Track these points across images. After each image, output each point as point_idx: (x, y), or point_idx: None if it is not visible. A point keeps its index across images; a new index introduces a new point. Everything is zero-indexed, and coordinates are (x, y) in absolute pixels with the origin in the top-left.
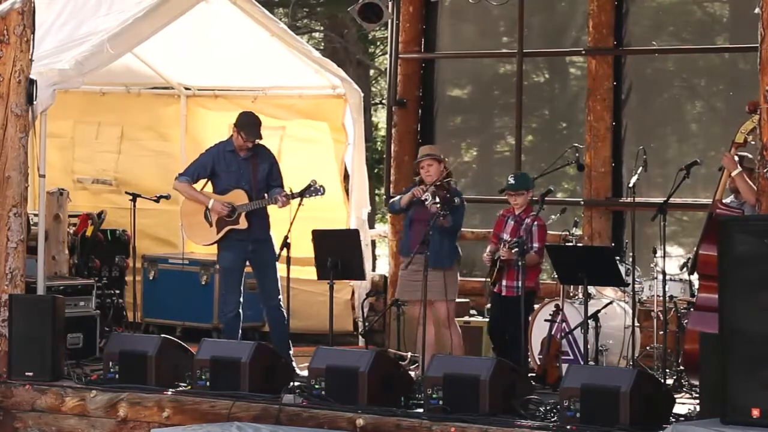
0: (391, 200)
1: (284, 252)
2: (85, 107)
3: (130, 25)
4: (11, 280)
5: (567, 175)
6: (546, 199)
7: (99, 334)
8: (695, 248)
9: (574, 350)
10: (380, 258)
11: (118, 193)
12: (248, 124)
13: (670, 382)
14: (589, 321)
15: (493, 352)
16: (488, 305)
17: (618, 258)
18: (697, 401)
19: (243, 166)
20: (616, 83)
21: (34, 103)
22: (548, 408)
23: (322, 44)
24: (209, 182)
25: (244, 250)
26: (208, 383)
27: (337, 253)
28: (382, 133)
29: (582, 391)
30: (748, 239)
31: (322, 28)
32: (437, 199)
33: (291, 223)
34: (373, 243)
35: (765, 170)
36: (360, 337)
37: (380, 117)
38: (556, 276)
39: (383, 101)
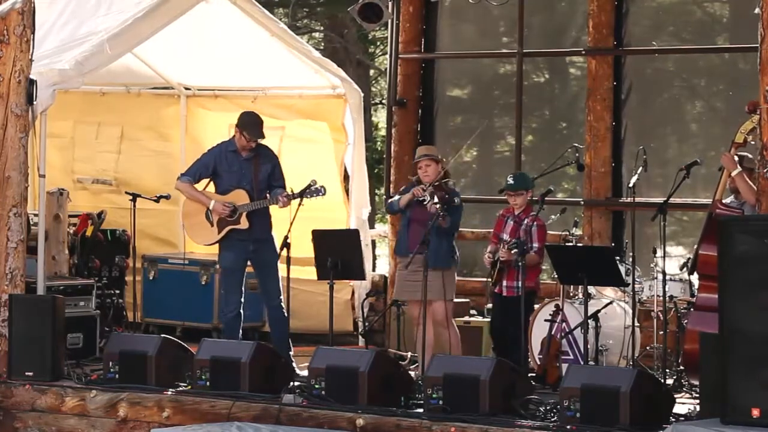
0: (389, 201)
1: (284, 252)
2: (85, 107)
3: (130, 25)
4: (11, 280)
5: (567, 175)
6: (546, 199)
7: (99, 334)
8: (695, 248)
9: (574, 350)
10: (380, 258)
11: (118, 193)
12: (251, 123)
13: (670, 382)
14: (589, 321)
15: (493, 352)
16: (488, 305)
17: (618, 258)
18: (697, 401)
19: (245, 167)
20: (616, 83)
21: (34, 103)
22: (548, 408)
23: (322, 44)
24: (211, 182)
25: (245, 250)
26: (208, 383)
27: (337, 253)
28: (382, 133)
29: (582, 391)
30: (748, 239)
31: (322, 28)
32: (436, 200)
33: (291, 223)
34: (373, 243)
35: (765, 170)
36: (360, 337)
37: (380, 117)
38: (556, 276)
39: (383, 101)
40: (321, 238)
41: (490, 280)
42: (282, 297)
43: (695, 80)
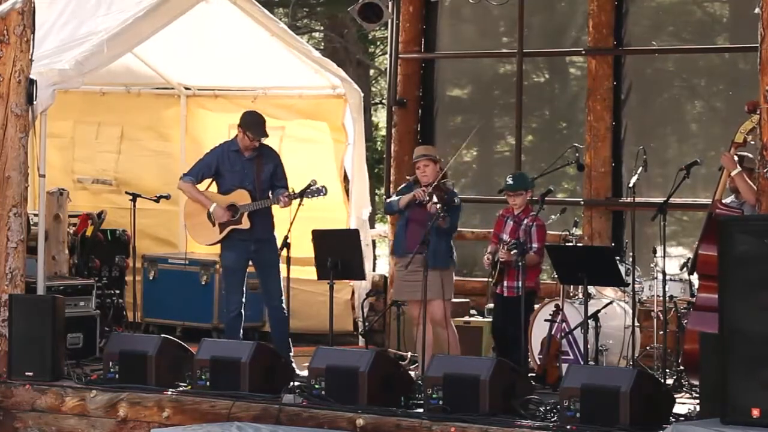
0: (388, 201)
1: (284, 252)
2: (85, 107)
3: (130, 25)
4: (11, 280)
5: (567, 175)
6: (546, 199)
7: (99, 334)
8: (695, 248)
9: (574, 350)
10: (380, 258)
11: (118, 193)
12: (253, 123)
13: (670, 382)
14: (589, 321)
15: (493, 352)
16: (488, 305)
17: (618, 258)
18: (697, 401)
19: (247, 166)
20: (616, 83)
21: (34, 103)
22: (548, 408)
23: (322, 44)
24: (214, 182)
25: (246, 250)
26: (208, 383)
27: (337, 253)
28: (382, 133)
29: (582, 391)
30: (748, 239)
31: (322, 28)
32: (436, 200)
33: (291, 223)
34: (374, 243)
35: (765, 170)
36: (360, 337)
37: (380, 117)
38: (556, 276)
39: (383, 101)
40: (321, 238)
41: (491, 280)
42: (283, 297)
43: (695, 80)
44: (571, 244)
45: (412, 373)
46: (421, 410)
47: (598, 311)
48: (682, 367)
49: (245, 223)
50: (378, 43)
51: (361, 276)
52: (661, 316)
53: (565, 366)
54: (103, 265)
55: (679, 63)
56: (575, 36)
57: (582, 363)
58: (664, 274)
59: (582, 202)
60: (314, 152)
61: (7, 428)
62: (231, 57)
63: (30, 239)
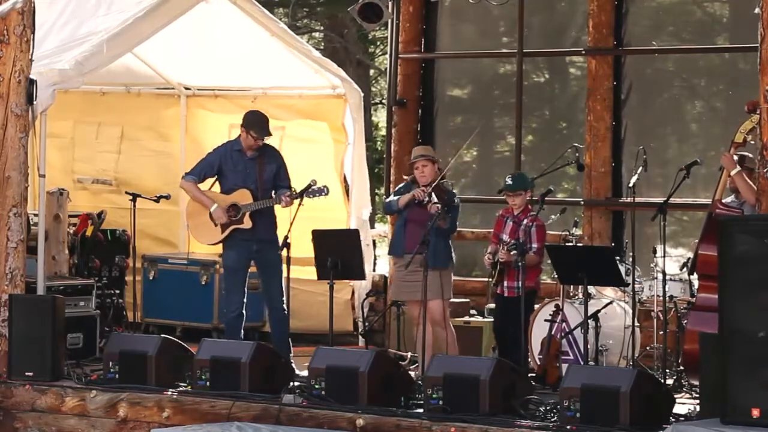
0: (388, 201)
1: (284, 252)
2: (85, 107)
3: (130, 25)
4: (11, 280)
5: (567, 175)
6: (546, 199)
7: (99, 334)
8: (695, 248)
9: (574, 350)
10: (380, 258)
11: (118, 193)
12: (257, 122)
13: (670, 382)
14: (589, 321)
15: (493, 352)
16: (488, 305)
17: (618, 258)
18: (697, 401)
19: (249, 166)
20: (616, 83)
21: (34, 103)
22: (548, 408)
23: (322, 44)
24: (217, 182)
25: (248, 249)
26: (208, 383)
27: (337, 253)
28: (382, 133)
29: (582, 391)
30: (748, 239)
31: (322, 28)
32: (436, 200)
33: (291, 223)
34: (374, 243)
35: (765, 170)
36: (360, 337)
37: (380, 117)
38: (556, 276)
39: (383, 101)
40: (321, 238)
41: (491, 280)
42: (284, 298)
43: (695, 80)
44: (571, 244)
45: (412, 373)
46: (421, 410)
47: (598, 311)
48: (682, 367)
49: (247, 223)
50: (378, 43)
51: (361, 276)
52: (661, 316)
53: (565, 366)
54: (103, 265)
55: (679, 63)
56: (575, 36)
57: (582, 363)
58: (664, 274)
59: (582, 202)
60: (314, 152)
61: (7, 428)
62: (231, 57)
63: (30, 239)
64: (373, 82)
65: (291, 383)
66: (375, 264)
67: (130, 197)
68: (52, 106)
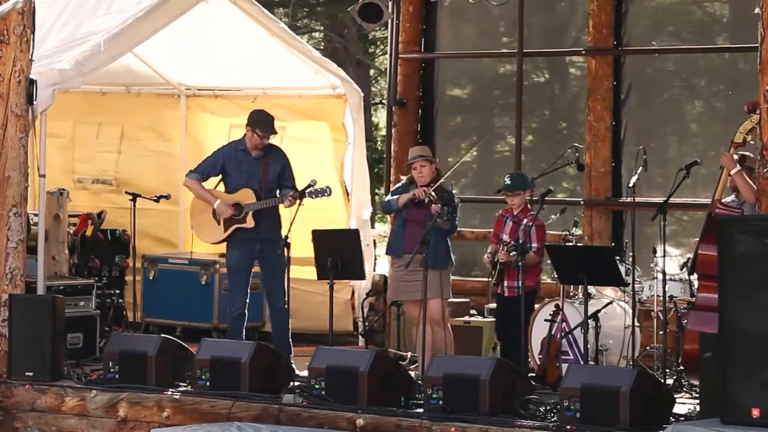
0: (387, 200)
1: (284, 252)
2: (85, 107)
3: (130, 25)
4: (11, 280)
5: (567, 175)
6: (546, 199)
7: (99, 334)
8: (695, 248)
9: (574, 350)
10: (380, 258)
11: (118, 193)
12: (261, 121)
13: (670, 382)
14: (589, 321)
15: (492, 352)
16: (488, 305)
17: (618, 258)
18: (697, 401)
19: (254, 166)
20: (616, 83)
21: (34, 103)
22: (548, 408)
23: (322, 44)
24: (222, 181)
25: (251, 249)
26: (208, 383)
27: (337, 253)
28: (382, 133)
29: (582, 391)
30: (748, 239)
31: (322, 28)
32: (437, 200)
33: (291, 223)
34: (374, 243)
35: (765, 170)
36: (360, 337)
37: (380, 117)
38: (556, 276)
39: (383, 101)
40: (321, 238)
41: (491, 280)
42: (286, 299)
43: (695, 80)
44: (571, 244)
45: (412, 373)
46: (421, 410)
47: (598, 311)
48: (682, 367)
49: (250, 222)
50: (378, 43)
51: (361, 276)
52: (661, 316)
53: (565, 366)
54: (103, 265)
55: (679, 63)
56: (575, 36)
57: (582, 363)
58: (664, 274)
59: (582, 202)
60: (314, 152)
61: (7, 428)
62: (231, 57)
63: (30, 239)
64: (373, 82)
65: (291, 383)
66: (375, 264)
67: (130, 197)
68: (52, 106)
